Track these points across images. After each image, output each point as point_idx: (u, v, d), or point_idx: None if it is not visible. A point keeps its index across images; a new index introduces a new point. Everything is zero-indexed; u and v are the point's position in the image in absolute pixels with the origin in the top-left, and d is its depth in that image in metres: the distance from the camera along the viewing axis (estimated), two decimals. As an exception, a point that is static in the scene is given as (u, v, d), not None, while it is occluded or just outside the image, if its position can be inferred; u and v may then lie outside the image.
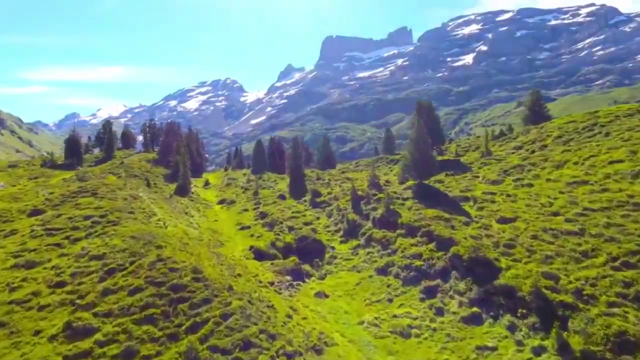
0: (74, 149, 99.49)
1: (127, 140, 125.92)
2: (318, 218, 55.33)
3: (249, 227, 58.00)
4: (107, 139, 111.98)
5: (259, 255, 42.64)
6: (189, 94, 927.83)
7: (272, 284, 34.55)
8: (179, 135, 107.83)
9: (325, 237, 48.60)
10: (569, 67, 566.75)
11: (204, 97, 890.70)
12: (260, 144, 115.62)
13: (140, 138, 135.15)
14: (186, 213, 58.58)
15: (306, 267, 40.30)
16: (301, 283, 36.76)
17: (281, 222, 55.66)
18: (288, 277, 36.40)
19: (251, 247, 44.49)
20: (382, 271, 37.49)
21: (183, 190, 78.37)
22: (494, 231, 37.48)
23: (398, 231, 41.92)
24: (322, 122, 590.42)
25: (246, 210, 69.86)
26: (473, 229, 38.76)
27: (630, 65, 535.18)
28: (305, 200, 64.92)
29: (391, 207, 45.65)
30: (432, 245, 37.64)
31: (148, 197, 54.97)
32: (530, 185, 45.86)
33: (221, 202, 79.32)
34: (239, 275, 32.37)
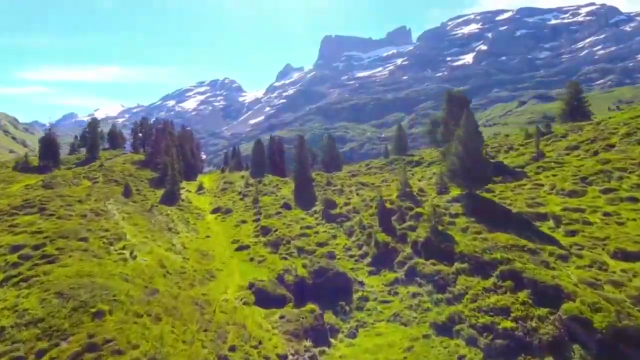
0: (49, 149, 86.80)
1: (115, 140, 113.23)
2: (335, 237, 43.22)
3: (247, 247, 45.81)
4: (91, 139, 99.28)
5: (263, 297, 30.50)
6: (187, 94, 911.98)
7: (284, 359, 22.41)
8: (170, 135, 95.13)
9: (348, 264, 36.38)
10: (569, 67, 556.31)
11: (202, 97, 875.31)
12: (259, 143, 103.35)
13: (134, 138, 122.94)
14: (170, 229, 46.32)
15: (329, 316, 28.22)
16: (326, 349, 24.65)
17: (288, 242, 43.47)
18: (307, 343, 24.38)
19: (251, 285, 32.22)
20: (445, 329, 25.30)
21: (171, 197, 65.90)
22: (618, 275, 25.38)
23: (457, 265, 29.72)
24: (321, 122, 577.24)
25: (244, 222, 57.65)
26: (578, 267, 26.70)
27: (631, 64, 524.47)
28: (315, 212, 52.65)
29: (439, 227, 33.62)
30: (524, 295, 25.25)
31: (120, 211, 42.81)
32: (635, 199, 33.78)
33: (215, 210, 66.98)
34: (233, 349, 20.26)
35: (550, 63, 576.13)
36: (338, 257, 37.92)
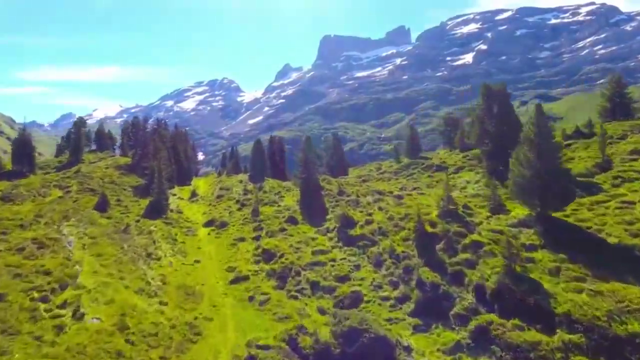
0: (23, 152, 76.59)
1: (102, 141, 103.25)
2: (358, 267, 33.60)
3: (246, 279, 36.05)
4: (74, 140, 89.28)
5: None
6: (185, 94, 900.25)
7: None
8: (161, 136, 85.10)
9: (382, 312, 26.68)
10: (570, 66, 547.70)
11: (201, 97, 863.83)
12: (259, 144, 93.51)
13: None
14: (149, 255, 36.78)
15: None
16: None
17: (298, 273, 33.89)
18: None
19: (252, 358, 22.28)
20: None
21: (157, 209, 56.05)
22: None
23: (562, 334, 19.53)
24: (320, 122, 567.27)
25: (242, 239, 48.03)
26: None
27: (633, 64, 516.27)
28: (328, 230, 43.14)
29: (517, 267, 23.99)
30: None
31: (81, 235, 33.01)
32: None
33: (209, 223, 57.19)
34: None
35: (551, 63, 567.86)
36: (366, 298, 28.31)
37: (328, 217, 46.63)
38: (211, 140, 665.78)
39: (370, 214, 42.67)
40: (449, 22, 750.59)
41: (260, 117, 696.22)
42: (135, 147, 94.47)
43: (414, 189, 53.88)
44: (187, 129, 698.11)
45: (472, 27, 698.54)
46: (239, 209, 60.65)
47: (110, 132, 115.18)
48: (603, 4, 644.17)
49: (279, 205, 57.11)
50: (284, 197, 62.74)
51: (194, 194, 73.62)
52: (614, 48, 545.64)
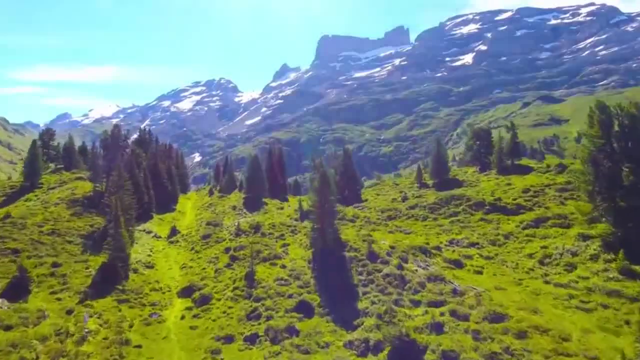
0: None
1: (71, 158, 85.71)
2: None
3: None
4: (29, 160, 72.21)
5: None
6: (182, 94, 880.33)
7: None
8: (137, 156, 68.02)
9: None
10: (571, 67, 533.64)
11: (198, 98, 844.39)
12: (256, 160, 77.20)
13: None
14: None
15: None
16: None
17: None
18: None
19: None
20: None
21: (111, 276, 38.92)
22: None
23: None
24: (319, 123, 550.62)
25: (231, 338, 31.16)
26: None
27: (635, 65, 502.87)
28: (367, 344, 26.24)
29: None
30: None
31: None
32: None
33: (186, 292, 40.61)
34: None
35: (552, 63, 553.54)
36: None
37: (360, 304, 30.47)
38: (208, 141, 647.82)
39: (431, 304, 26.47)
40: (448, 23, 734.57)
41: (258, 118, 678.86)
42: (108, 169, 77.46)
43: (472, 244, 37.81)
44: (184, 129, 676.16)
45: (472, 28, 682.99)
46: (229, 265, 43.97)
47: (85, 146, 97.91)
48: (603, 5, 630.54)
49: (283, 266, 40.52)
50: (289, 244, 46.25)
51: (173, 231, 56.87)
52: (615, 49, 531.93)
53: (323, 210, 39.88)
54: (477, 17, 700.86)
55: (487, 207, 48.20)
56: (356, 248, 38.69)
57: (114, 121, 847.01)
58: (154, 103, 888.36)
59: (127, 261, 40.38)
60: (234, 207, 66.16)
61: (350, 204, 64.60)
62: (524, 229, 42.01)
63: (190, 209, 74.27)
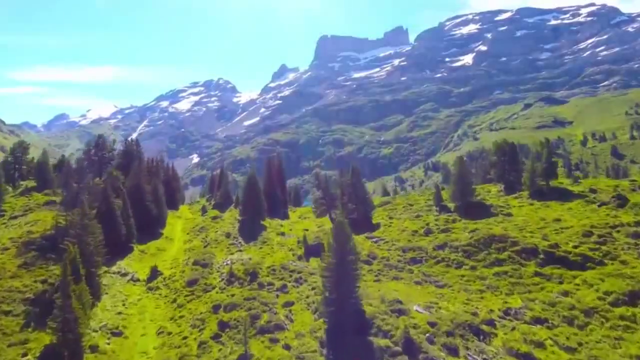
0: None
1: (44, 176, 76.47)
2: None
3: None
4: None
5: None
6: (180, 95, 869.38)
7: None
8: (113, 180, 58.99)
9: None
10: (573, 68, 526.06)
11: (196, 98, 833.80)
12: (252, 179, 68.90)
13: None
14: None
15: None
16: None
17: None
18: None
19: None
20: None
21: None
22: None
23: None
24: (318, 124, 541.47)
25: None
26: None
27: (637, 66, 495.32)
28: None
29: None
30: None
31: None
32: None
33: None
34: None
35: (553, 64, 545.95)
36: None
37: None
38: (206, 142, 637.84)
39: None
40: (447, 23, 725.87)
41: (257, 119, 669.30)
42: (87, 189, 68.52)
43: (539, 321, 28.05)
44: (182, 130, 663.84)
45: (472, 28, 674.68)
46: (217, 336, 33.84)
47: (66, 161, 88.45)
48: (603, 5, 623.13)
49: (286, 347, 31.12)
50: (293, 303, 36.89)
51: (154, 273, 47.72)
52: (616, 49, 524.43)
53: (340, 274, 30.63)
54: (477, 18, 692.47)
55: (541, 257, 37.87)
56: (386, 331, 29.01)
57: (112, 122, 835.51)
58: (152, 103, 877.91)
59: (80, 341, 30.72)
60: (228, 235, 57.33)
61: (360, 229, 55.90)
62: (613, 305, 29.84)
63: (179, 232, 65.42)
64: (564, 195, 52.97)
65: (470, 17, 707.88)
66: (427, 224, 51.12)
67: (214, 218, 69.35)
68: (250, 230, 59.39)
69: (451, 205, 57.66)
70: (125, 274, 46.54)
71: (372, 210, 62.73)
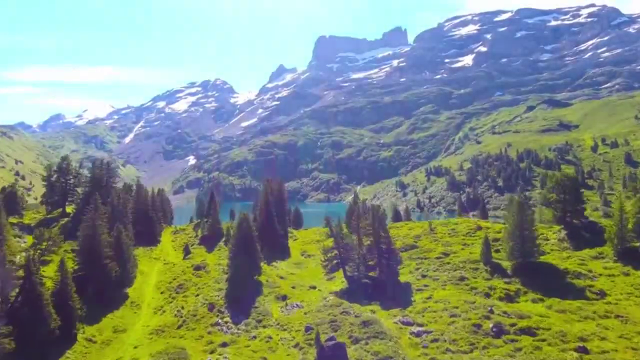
0: None
1: (13, 206, 61.07)
2: None
3: None
4: None
5: None
6: (177, 95, 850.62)
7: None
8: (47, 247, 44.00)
9: None
10: (574, 69, 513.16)
11: (193, 99, 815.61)
12: (245, 222, 53.76)
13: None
14: None
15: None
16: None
17: None
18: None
19: None
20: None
21: None
22: None
23: None
24: (316, 126, 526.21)
25: None
26: None
27: (639, 67, 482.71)
28: None
29: None
30: None
31: None
32: None
33: None
34: None
35: (554, 65, 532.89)
36: None
37: None
38: (203, 143, 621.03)
39: None
40: (446, 24, 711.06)
41: (254, 120, 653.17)
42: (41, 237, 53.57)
43: None
44: (179, 131, 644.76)
45: (471, 29, 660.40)
46: None
47: (51, 180, 72.81)
48: (604, 6, 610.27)
49: None
50: None
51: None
52: (618, 50, 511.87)
53: None
54: (476, 18, 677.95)
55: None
56: None
57: (108, 122, 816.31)
58: (149, 104, 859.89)
59: None
60: (212, 307, 42.26)
61: (386, 299, 41.26)
62: None
63: (151, 290, 50.50)
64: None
65: (469, 17, 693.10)
66: (490, 311, 33.92)
67: (197, 269, 54.39)
68: (241, 293, 44.62)
69: (507, 264, 42.98)
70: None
71: (398, 264, 47.94)
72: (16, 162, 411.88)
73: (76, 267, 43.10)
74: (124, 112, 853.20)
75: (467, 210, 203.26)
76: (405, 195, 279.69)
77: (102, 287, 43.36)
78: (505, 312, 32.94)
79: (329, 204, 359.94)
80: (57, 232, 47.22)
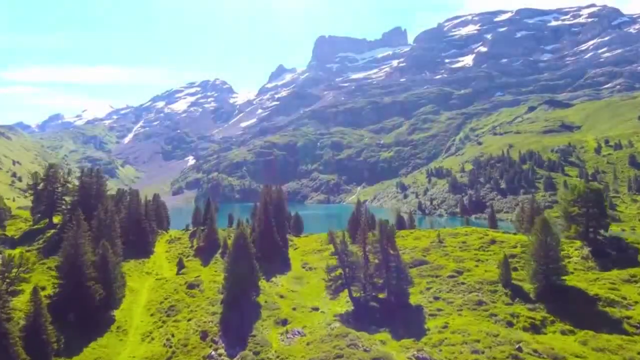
0: None
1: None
2: None
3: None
4: None
5: None
6: (177, 95, 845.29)
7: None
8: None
9: None
10: (575, 70, 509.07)
11: (193, 99, 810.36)
12: (243, 238, 49.14)
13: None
14: None
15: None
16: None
17: None
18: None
19: None
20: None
21: None
22: None
23: None
24: (316, 127, 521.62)
25: None
26: None
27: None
28: None
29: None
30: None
31: None
32: None
33: None
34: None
35: (554, 65, 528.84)
36: None
37: None
38: (202, 143, 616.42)
39: None
40: (446, 24, 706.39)
41: (254, 120, 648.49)
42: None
43: None
44: (178, 131, 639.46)
45: (471, 29, 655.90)
46: None
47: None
48: (604, 6, 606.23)
49: None
50: None
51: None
52: (619, 51, 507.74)
53: None
54: (476, 18, 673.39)
55: None
56: None
57: (107, 122, 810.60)
58: (148, 104, 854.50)
59: None
60: (204, 335, 38.28)
61: (396, 325, 37.35)
62: None
63: (140, 313, 46.49)
64: None
65: (469, 17, 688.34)
66: (518, 349, 29.77)
67: (191, 287, 50.32)
68: (237, 319, 40.61)
69: (529, 287, 38.98)
70: None
71: (409, 285, 43.89)
72: (14, 163, 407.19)
73: (56, 291, 39.08)
74: (123, 112, 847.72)
75: (470, 213, 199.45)
76: (406, 197, 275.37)
77: (84, 312, 39.32)
78: (535, 351, 28.89)
79: (329, 205, 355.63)
80: (33, 256, 43.00)
